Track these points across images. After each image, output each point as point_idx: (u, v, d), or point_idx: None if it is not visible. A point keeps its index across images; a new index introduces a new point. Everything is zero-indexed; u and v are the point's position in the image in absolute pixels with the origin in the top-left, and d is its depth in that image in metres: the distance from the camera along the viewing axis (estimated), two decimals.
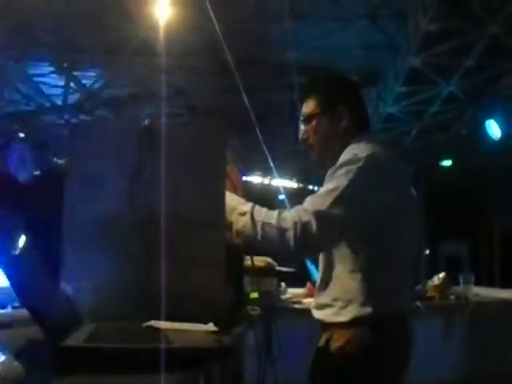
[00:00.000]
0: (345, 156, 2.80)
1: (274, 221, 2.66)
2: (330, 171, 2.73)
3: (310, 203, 2.68)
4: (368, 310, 2.70)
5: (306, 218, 2.59)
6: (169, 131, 2.48)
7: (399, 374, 2.88)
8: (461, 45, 8.48)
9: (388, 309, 2.75)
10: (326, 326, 2.86)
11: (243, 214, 2.72)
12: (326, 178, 2.74)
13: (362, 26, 8.64)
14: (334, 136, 2.96)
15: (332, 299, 2.81)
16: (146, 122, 2.50)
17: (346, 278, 2.77)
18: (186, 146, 2.52)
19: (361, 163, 2.68)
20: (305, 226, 2.58)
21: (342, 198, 2.62)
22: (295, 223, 2.59)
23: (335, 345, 2.76)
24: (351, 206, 2.64)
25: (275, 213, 2.69)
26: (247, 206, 2.76)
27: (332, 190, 2.65)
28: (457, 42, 8.38)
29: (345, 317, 2.74)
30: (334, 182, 2.67)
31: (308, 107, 3.04)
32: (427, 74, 9.41)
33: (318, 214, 2.60)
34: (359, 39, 9.15)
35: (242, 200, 2.82)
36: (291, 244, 2.58)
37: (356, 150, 2.79)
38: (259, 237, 2.67)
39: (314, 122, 3.01)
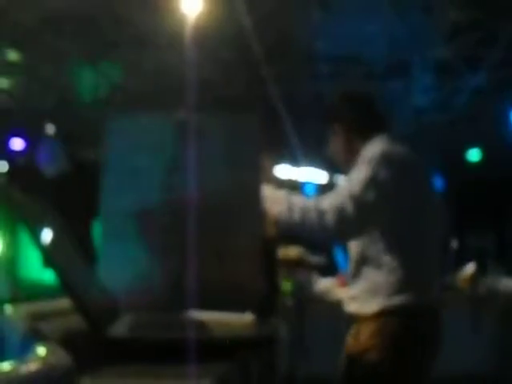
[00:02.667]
0: (363, 155, 3.00)
1: (311, 205, 2.80)
2: (353, 168, 2.96)
3: (341, 191, 2.87)
4: (393, 301, 2.86)
5: (342, 201, 2.77)
6: (205, 124, 2.50)
7: (427, 365, 2.99)
8: (488, 35, 8.43)
9: (414, 300, 2.88)
10: (355, 317, 3.01)
11: (278, 200, 2.83)
12: (351, 172, 2.95)
13: (388, 17, 8.61)
14: (342, 149, 3.22)
15: (360, 292, 2.97)
16: (182, 116, 2.52)
17: (372, 273, 2.93)
18: (221, 139, 2.55)
19: (378, 159, 2.89)
20: (342, 208, 2.74)
21: (370, 186, 2.81)
22: (333, 206, 2.75)
23: (363, 335, 2.92)
24: (378, 193, 2.82)
25: (312, 198, 2.92)
26: (281, 193, 2.89)
27: (359, 179, 2.84)
28: (484, 32, 8.34)
29: (372, 309, 2.90)
30: (359, 173, 2.87)
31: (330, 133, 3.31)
32: (454, 66, 9.36)
33: (354, 197, 2.78)
34: (386, 30, 9.12)
35: (273, 189, 2.91)
36: (331, 226, 2.74)
37: (371, 151, 2.99)
38: (297, 220, 2.79)
39: (331, 143, 3.28)
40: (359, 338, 2.96)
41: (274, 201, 2.83)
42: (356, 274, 3.03)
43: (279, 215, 2.82)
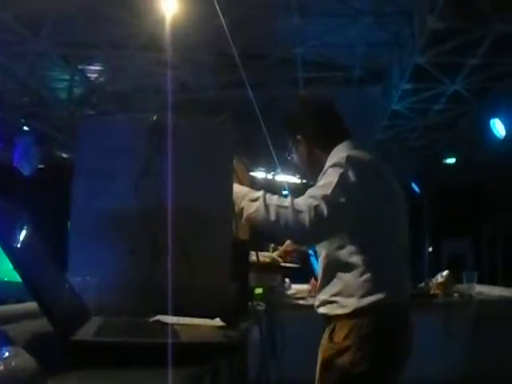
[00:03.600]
0: (329, 162, 3.11)
1: (288, 204, 2.87)
2: (321, 173, 3.06)
3: (313, 193, 2.94)
4: (366, 301, 2.98)
5: (316, 202, 2.84)
6: (177, 127, 2.50)
7: (401, 363, 3.09)
8: (466, 43, 8.46)
9: (386, 299, 2.98)
10: (329, 319, 3.11)
11: (255, 199, 2.91)
12: (319, 178, 3.05)
13: (367, 23, 8.63)
14: (306, 159, 3.36)
15: (334, 295, 3.07)
16: (155, 118, 2.51)
17: (345, 276, 3.04)
18: (193, 142, 2.55)
19: (344, 163, 2.99)
20: (317, 208, 2.82)
21: (338, 188, 2.90)
22: (309, 206, 2.82)
23: (339, 335, 3.02)
24: (347, 195, 2.91)
25: (288, 198, 2.92)
26: (259, 193, 2.96)
27: (329, 183, 2.93)
28: (462, 40, 8.36)
29: (347, 309, 3.01)
30: (328, 178, 2.97)
31: (290, 144, 3.44)
32: (432, 72, 9.39)
33: (326, 198, 2.86)
34: (364, 36, 9.14)
35: (250, 189, 3.01)
36: (306, 225, 2.80)
37: (336, 157, 3.11)
38: (273, 218, 2.85)
39: (296, 155, 3.42)
40: (334, 340, 3.05)
41: (250, 199, 2.91)
42: (328, 278, 3.13)
43: (255, 213, 2.89)
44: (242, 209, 2.90)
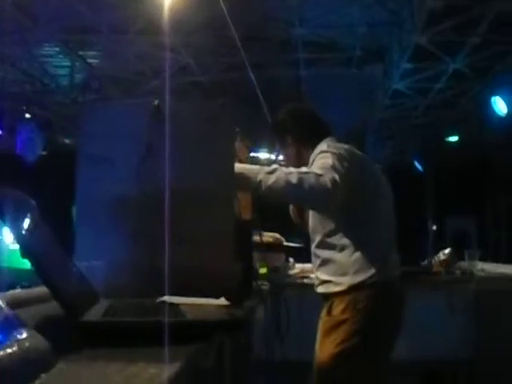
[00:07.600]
0: (314, 154, 3.35)
1: (307, 170, 3.04)
2: (311, 159, 3.29)
3: (320, 166, 3.10)
4: (360, 278, 3.23)
5: (327, 170, 3.00)
6: (178, 111, 2.53)
7: (393, 332, 3.35)
8: (466, 21, 8.45)
9: (378, 275, 3.23)
10: (327, 296, 3.35)
11: (272, 171, 2.99)
12: (310, 163, 3.27)
13: (366, 3, 8.63)
14: (294, 157, 3.62)
15: (330, 274, 3.33)
16: (156, 103, 2.54)
17: (337, 256, 3.31)
18: (194, 124, 2.57)
19: (327, 150, 3.25)
20: (331, 173, 2.98)
21: (336, 163, 3.09)
22: (325, 172, 2.98)
23: (337, 309, 3.26)
24: (343, 169, 3.09)
25: (302, 167, 3.09)
26: (273, 166, 3.08)
27: (326, 162, 3.11)
28: (462, 18, 8.36)
29: (342, 286, 3.27)
30: (321, 160, 3.16)
31: (278, 145, 3.85)
32: (433, 51, 9.39)
33: (333, 168, 3.03)
34: (364, 16, 9.13)
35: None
36: (329, 185, 2.92)
37: (319, 149, 3.35)
38: (296, 183, 2.93)
39: (284, 154, 3.74)
40: (332, 314, 3.27)
41: (267, 172, 2.98)
42: (323, 260, 3.39)
43: (276, 183, 2.94)
44: (259, 183, 2.95)
